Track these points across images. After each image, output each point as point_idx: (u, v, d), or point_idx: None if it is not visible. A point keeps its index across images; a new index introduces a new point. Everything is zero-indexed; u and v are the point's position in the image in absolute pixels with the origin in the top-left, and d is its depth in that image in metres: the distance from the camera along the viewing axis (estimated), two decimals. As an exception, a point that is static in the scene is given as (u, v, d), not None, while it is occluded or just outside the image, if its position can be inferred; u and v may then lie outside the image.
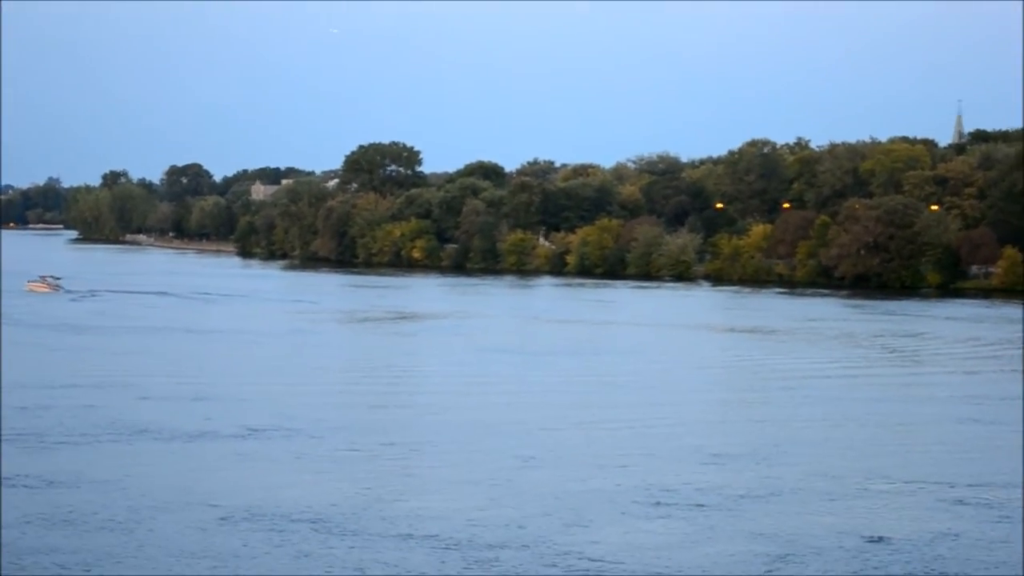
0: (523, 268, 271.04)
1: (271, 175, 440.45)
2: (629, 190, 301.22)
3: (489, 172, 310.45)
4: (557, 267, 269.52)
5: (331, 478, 54.52)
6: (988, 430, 70.56)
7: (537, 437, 65.20)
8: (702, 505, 50.41)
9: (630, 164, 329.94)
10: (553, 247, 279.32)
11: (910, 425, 72.23)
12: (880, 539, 45.59)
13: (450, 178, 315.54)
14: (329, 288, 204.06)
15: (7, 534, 43.92)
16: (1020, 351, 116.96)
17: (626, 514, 49.00)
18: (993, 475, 56.67)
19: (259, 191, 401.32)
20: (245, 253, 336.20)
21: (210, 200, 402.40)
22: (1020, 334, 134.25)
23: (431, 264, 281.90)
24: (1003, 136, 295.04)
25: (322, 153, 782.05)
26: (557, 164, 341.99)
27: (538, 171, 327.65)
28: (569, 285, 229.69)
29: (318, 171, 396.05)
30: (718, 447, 63.11)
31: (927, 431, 70.35)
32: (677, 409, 77.82)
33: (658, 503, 50.64)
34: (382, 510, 48.65)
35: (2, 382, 78.54)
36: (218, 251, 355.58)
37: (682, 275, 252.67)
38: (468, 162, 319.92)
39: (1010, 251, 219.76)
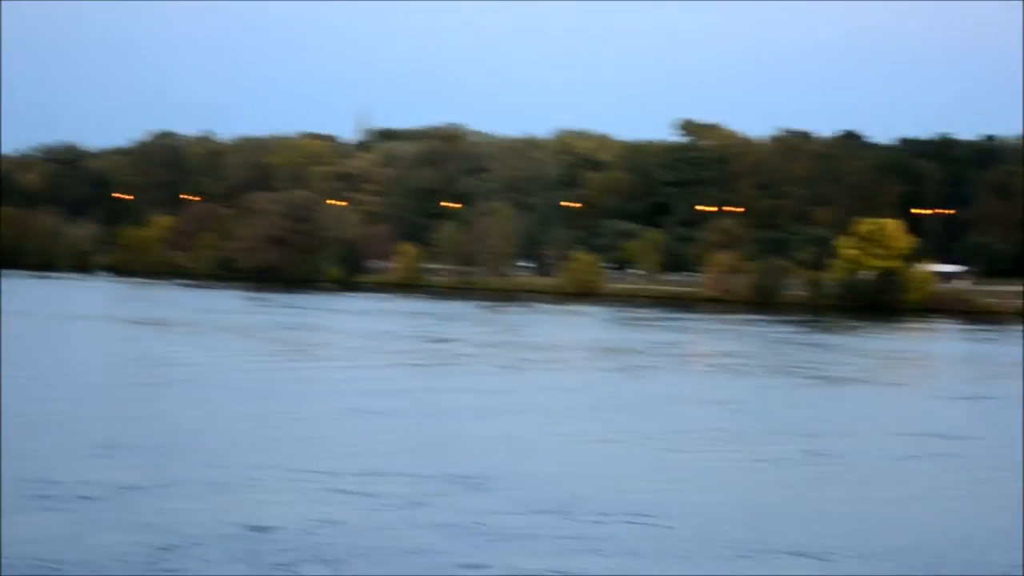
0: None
1: None
2: (29, 178, 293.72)
3: None
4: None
5: None
6: (378, 422, 72.08)
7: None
8: (87, 497, 49.09)
9: (31, 152, 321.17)
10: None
11: (301, 417, 72.80)
12: (264, 528, 45.55)
13: None
14: None
15: None
16: (413, 344, 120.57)
17: (12, 510, 47.16)
18: (383, 466, 57.72)
19: None
20: None
21: None
22: (414, 326, 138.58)
23: None
24: (405, 134, 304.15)
25: None
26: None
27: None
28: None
29: None
30: (110, 439, 61.82)
31: (318, 423, 71.07)
32: (68, 404, 75.88)
33: (42, 496, 49.01)
34: None
35: None
36: None
37: (83, 265, 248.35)
38: None
39: (407, 246, 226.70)
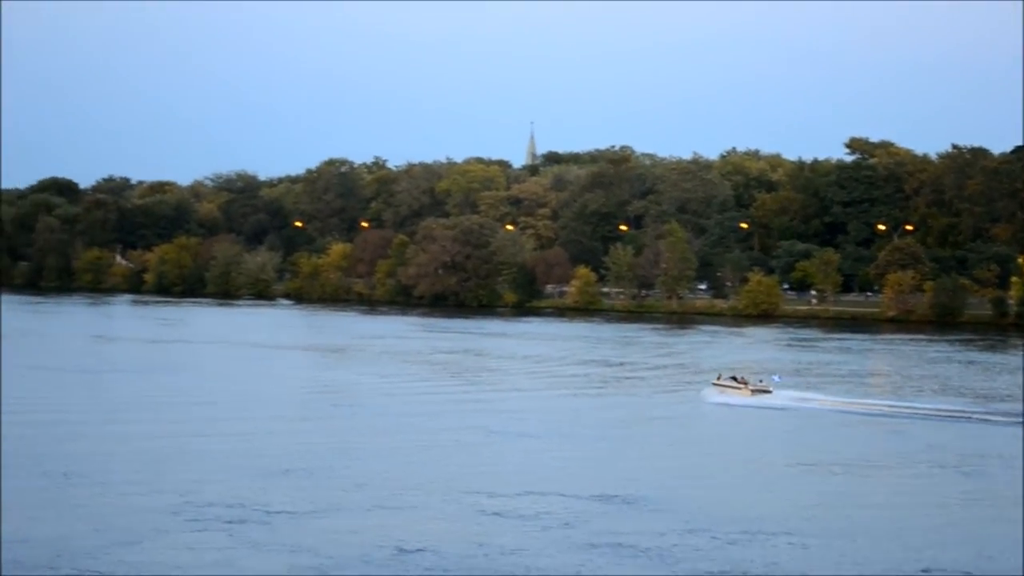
0: (100, 286, 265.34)
1: None
2: (207, 208, 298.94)
3: (63, 188, 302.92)
4: (135, 285, 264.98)
5: None
6: (536, 443, 72.19)
7: (73, 454, 63.71)
8: (245, 521, 49.85)
9: (207, 182, 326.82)
10: (130, 265, 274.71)
11: (459, 439, 73.20)
12: (415, 550, 45.90)
13: (22, 194, 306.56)
14: None
15: None
16: (586, 369, 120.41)
17: (167, 531, 48.10)
18: (538, 487, 57.78)
19: None
20: None
21: None
22: (583, 350, 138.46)
23: (3, 282, 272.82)
24: (574, 158, 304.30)
25: None
26: (133, 181, 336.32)
27: (114, 188, 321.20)
28: (146, 303, 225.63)
29: None
30: (278, 463, 62.74)
31: (476, 445, 71.36)
32: (243, 425, 77.32)
33: (198, 518, 49.92)
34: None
35: None
36: None
37: (262, 293, 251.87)
38: (41, 178, 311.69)
39: (583, 270, 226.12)
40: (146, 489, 55.24)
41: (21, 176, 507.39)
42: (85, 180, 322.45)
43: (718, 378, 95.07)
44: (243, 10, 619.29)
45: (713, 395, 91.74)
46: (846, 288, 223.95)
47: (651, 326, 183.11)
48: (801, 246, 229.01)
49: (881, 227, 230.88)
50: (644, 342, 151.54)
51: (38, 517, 49.90)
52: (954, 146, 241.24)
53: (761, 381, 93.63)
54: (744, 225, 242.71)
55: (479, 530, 49.05)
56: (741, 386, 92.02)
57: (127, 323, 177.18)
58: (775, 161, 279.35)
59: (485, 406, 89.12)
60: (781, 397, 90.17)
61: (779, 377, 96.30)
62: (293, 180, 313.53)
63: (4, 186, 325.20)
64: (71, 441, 68.73)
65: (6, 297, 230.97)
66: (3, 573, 41.66)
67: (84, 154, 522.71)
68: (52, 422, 75.81)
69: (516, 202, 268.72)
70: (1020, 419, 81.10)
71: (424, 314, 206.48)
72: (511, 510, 52.41)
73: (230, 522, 49.34)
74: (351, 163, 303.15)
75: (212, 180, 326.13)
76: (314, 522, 50.08)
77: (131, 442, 68.71)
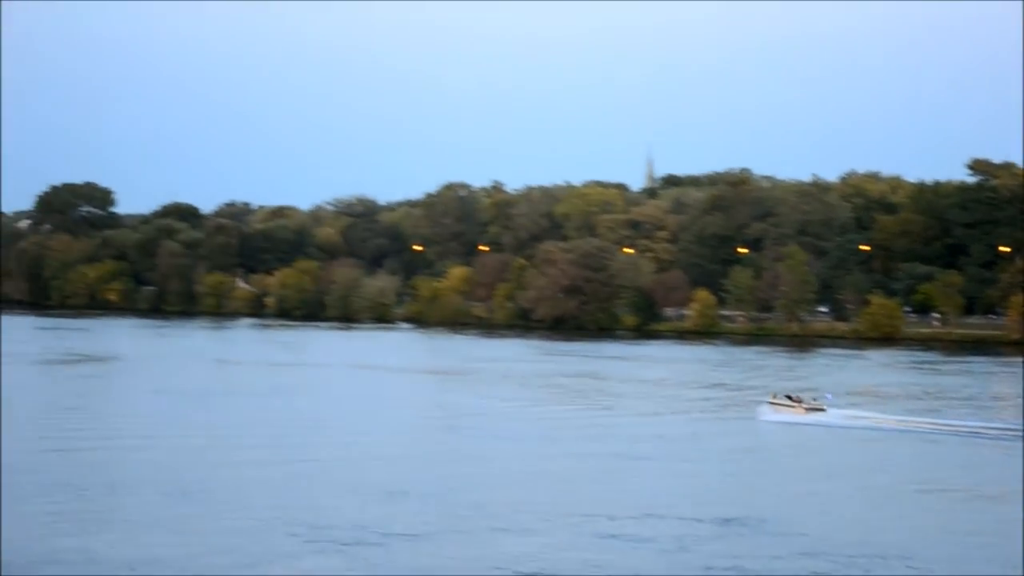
0: (222, 310, 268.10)
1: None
2: (327, 232, 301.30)
3: (185, 214, 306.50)
4: (256, 309, 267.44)
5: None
6: (655, 468, 71.93)
7: (211, 474, 64.32)
8: (363, 543, 50.08)
9: (327, 206, 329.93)
10: (252, 289, 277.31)
11: (578, 463, 73.10)
12: (535, 572, 45.91)
13: (145, 219, 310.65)
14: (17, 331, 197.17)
15: None
16: (701, 392, 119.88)
17: (285, 553, 48.43)
18: (653, 509, 57.60)
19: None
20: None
21: None
22: (708, 374, 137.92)
23: (128, 306, 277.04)
24: (693, 180, 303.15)
25: (11, 194, 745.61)
26: (254, 206, 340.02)
27: (235, 213, 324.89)
28: (267, 327, 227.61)
29: (8, 211, 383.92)
30: (396, 486, 63.01)
31: (595, 469, 71.21)
32: (362, 448, 77.83)
33: (316, 540, 50.20)
34: None
35: None
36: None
37: (382, 317, 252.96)
38: (164, 203, 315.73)
39: (702, 293, 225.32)
40: (264, 512, 55.64)
41: (143, 202, 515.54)
42: (206, 205, 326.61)
43: (773, 397, 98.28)
44: (366, 31, 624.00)
45: (768, 413, 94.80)
46: (968, 310, 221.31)
47: (772, 349, 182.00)
48: (923, 268, 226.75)
49: (1004, 249, 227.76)
50: (765, 366, 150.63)
51: (157, 538, 50.46)
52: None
53: (815, 400, 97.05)
54: (864, 247, 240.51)
55: (596, 554, 48.95)
56: (795, 404, 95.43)
57: (249, 347, 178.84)
58: (895, 183, 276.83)
59: (604, 430, 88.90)
60: (834, 415, 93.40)
61: (831, 396, 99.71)
62: (412, 204, 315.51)
63: (128, 211, 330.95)
64: (192, 464, 69.32)
65: (131, 321, 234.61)
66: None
67: (206, 180, 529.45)
68: (174, 446, 76.60)
69: (635, 225, 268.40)
70: None
71: (543, 337, 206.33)
72: (629, 533, 52.26)
73: (347, 544, 49.59)
74: (469, 187, 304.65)
75: (332, 204, 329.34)
76: (431, 545, 50.25)
77: (250, 465, 69.29)
